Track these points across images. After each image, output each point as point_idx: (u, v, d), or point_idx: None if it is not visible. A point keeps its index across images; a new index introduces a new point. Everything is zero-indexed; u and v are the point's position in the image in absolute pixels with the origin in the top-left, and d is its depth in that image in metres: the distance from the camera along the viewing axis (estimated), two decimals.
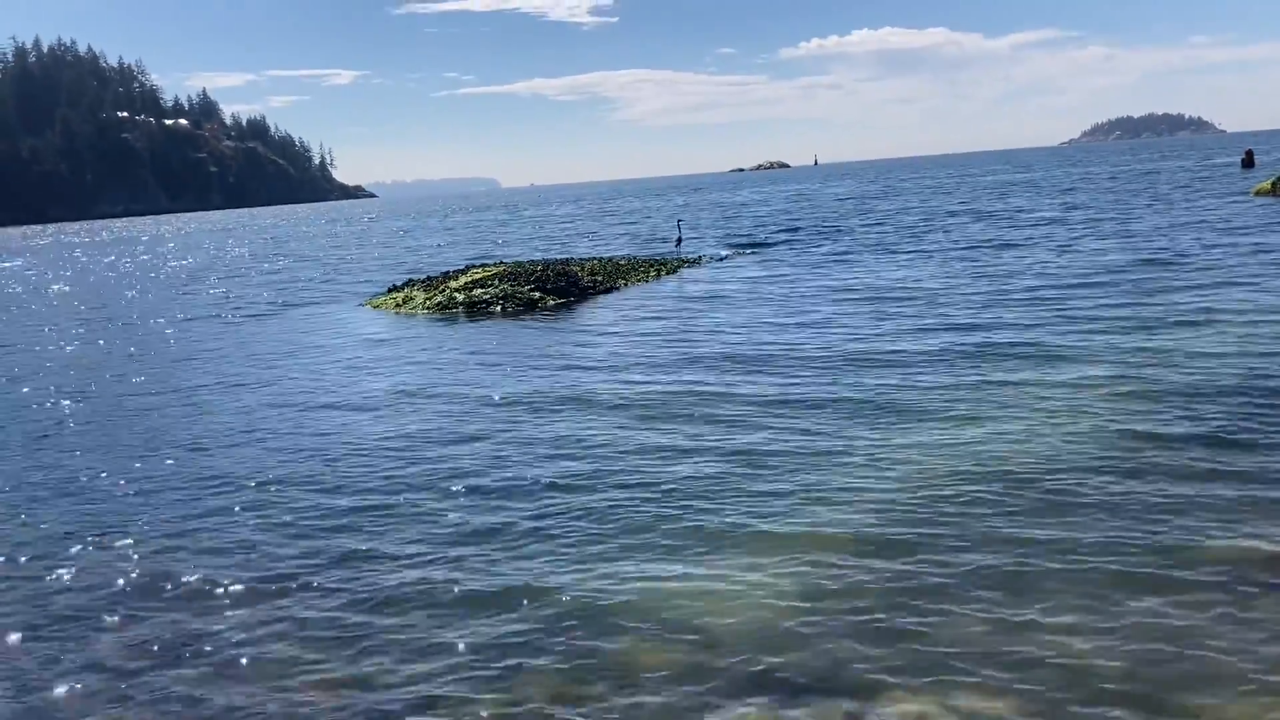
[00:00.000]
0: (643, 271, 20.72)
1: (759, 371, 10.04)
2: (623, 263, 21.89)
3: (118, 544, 6.39)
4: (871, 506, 5.95)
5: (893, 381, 9.12)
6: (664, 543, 5.65)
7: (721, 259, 23.78)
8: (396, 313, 17.54)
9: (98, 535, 6.54)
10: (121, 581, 5.73)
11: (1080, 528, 5.55)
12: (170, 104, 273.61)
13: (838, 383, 9.24)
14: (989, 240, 22.15)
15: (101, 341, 16.68)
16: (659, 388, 9.54)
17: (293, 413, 9.73)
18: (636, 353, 11.53)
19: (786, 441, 7.46)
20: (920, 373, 9.39)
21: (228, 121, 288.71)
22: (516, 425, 8.42)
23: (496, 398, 9.65)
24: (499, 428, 8.40)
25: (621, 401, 8.97)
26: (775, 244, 26.97)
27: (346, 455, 7.92)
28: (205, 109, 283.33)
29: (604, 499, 6.39)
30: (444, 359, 12.28)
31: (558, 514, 6.22)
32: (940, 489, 6.26)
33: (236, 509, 6.89)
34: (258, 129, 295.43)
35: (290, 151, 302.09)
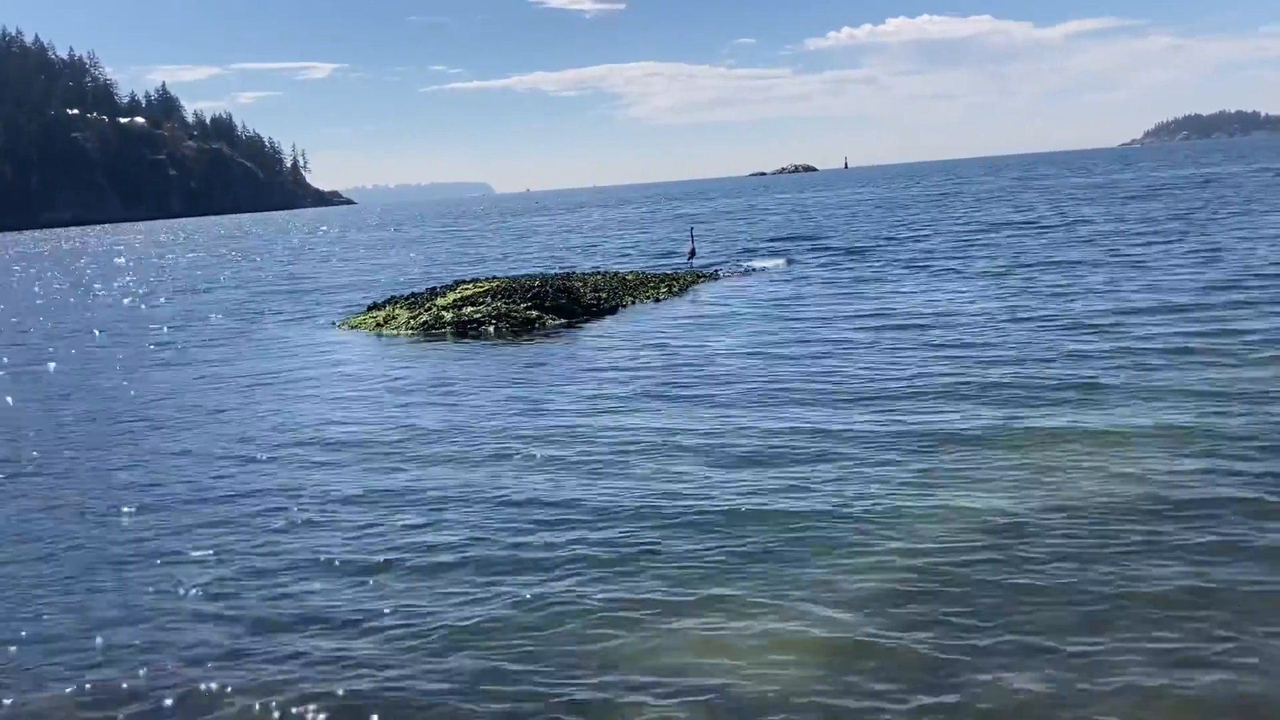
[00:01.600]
0: (651, 288, 21.00)
1: (778, 407, 9.96)
2: (629, 278, 22.07)
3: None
4: (903, 567, 5.91)
5: (929, 420, 9.06)
6: (679, 610, 5.64)
7: (740, 275, 24.03)
8: (377, 334, 17.66)
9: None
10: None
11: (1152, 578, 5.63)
12: (126, 100, 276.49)
13: (873, 419, 9.16)
14: (1044, 259, 21.88)
15: (33, 371, 16.62)
16: (670, 426, 9.45)
17: (256, 458, 9.48)
18: (645, 385, 11.43)
19: (822, 486, 7.43)
20: (962, 411, 9.33)
21: (190, 120, 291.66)
22: (523, 478, 8.11)
23: (491, 443, 9.34)
24: (498, 482, 8.09)
25: (637, 446, 8.82)
26: (800, 258, 27.13)
27: (317, 518, 7.51)
28: (165, 106, 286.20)
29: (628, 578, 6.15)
30: (429, 388, 12.24)
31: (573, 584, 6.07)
32: (980, 543, 6.24)
33: (182, 592, 6.36)
34: (223, 128, 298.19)
35: (259, 153, 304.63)
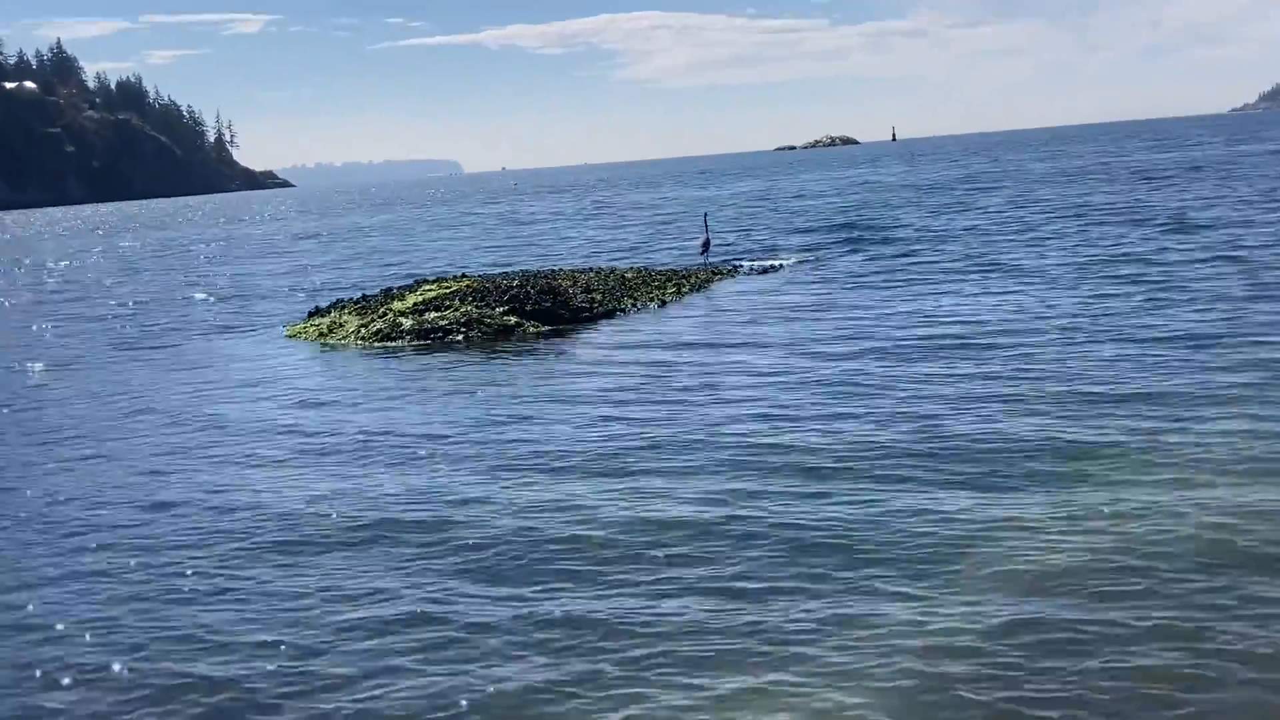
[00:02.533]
0: (656, 288, 21.19)
1: (819, 479, 8.99)
2: (629, 276, 22.27)
3: None
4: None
5: (995, 470, 8.98)
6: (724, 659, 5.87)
7: (763, 271, 24.33)
8: (321, 344, 18.04)
9: None
10: None
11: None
12: (12, 60, 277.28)
13: (925, 479, 8.87)
14: (1140, 254, 21.72)
15: None
16: (666, 515, 8.35)
17: (170, 510, 9.37)
18: (639, 427, 11.00)
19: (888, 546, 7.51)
20: (1043, 447, 9.33)
21: (91, 84, 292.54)
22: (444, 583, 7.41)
23: (453, 489, 9.16)
24: (451, 545, 7.89)
25: (636, 528, 8.10)
26: (837, 251, 27.37)
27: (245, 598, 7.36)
28: (60, 67, 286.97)
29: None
30: (375, 413, 12.27)
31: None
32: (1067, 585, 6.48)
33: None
34: (132, 95, 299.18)
35: (176, 125, 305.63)
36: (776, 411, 11.21)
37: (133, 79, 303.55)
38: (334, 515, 8.80)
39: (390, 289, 20.79)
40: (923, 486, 8.55)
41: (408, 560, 7.74)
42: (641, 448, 10.12)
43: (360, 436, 11.34)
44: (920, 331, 15.43)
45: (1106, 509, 7.81)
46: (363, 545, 8.10)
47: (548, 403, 12.26)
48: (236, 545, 8.34)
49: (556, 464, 9.76)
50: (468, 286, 18.86)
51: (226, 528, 8.75)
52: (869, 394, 11.70)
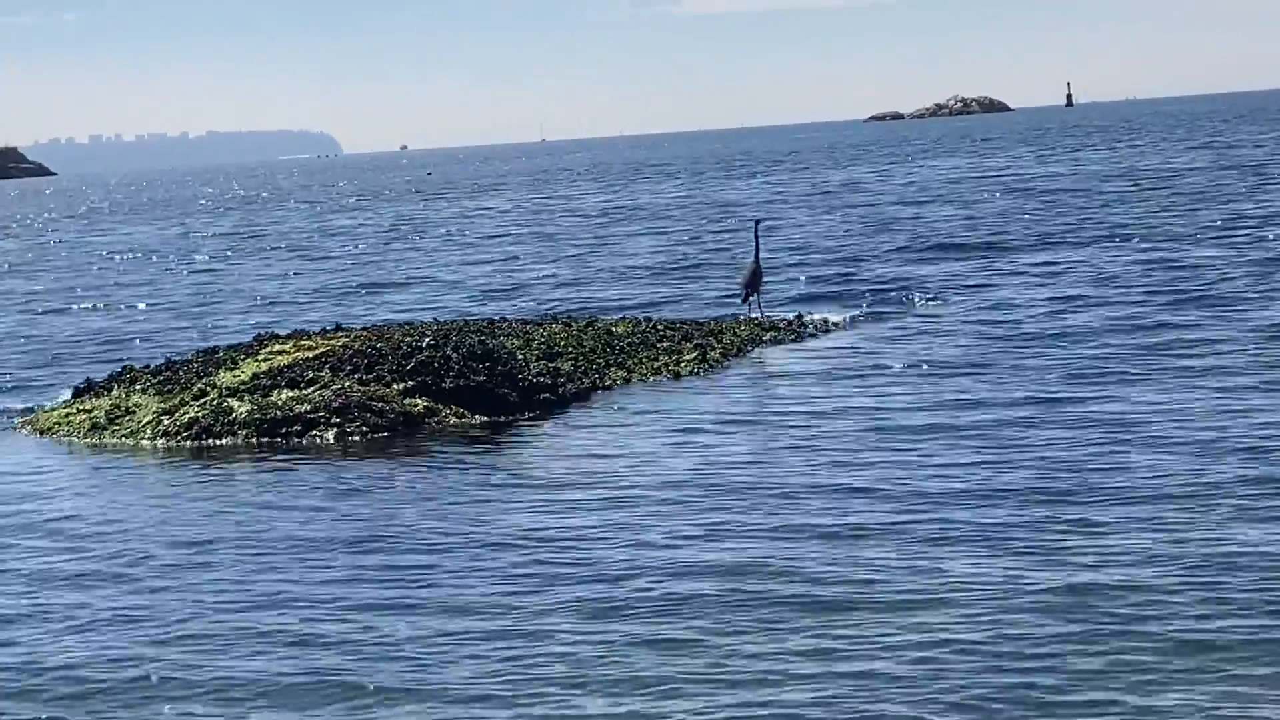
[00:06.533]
0: (666, 353, 16.66)
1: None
2: (619, 330, 17.60)
3: None
4: None
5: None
6: None
7: (846, 327, 18.25)
8: (92, 444, 15.04)
9: None
10: None
11: None
12: None
13: None
14: None
15: None
16: None
17: None
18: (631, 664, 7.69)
19: None
20: None
21: None
22: None
23: None
24: None
25: None
26: (957, 298, 20.39)
27: None
28: None
29: None
30: (192, 594, 9.68)
31: None
32: None
33: None
34: None
35: None
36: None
37: None
38: None
39: (212, 349, 17.09)
40: None
41: None
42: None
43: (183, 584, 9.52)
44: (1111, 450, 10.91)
45: None
46: None
47: (478, 643, 8.14)
48: None
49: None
50: (345, 346, 15.61)
51: None
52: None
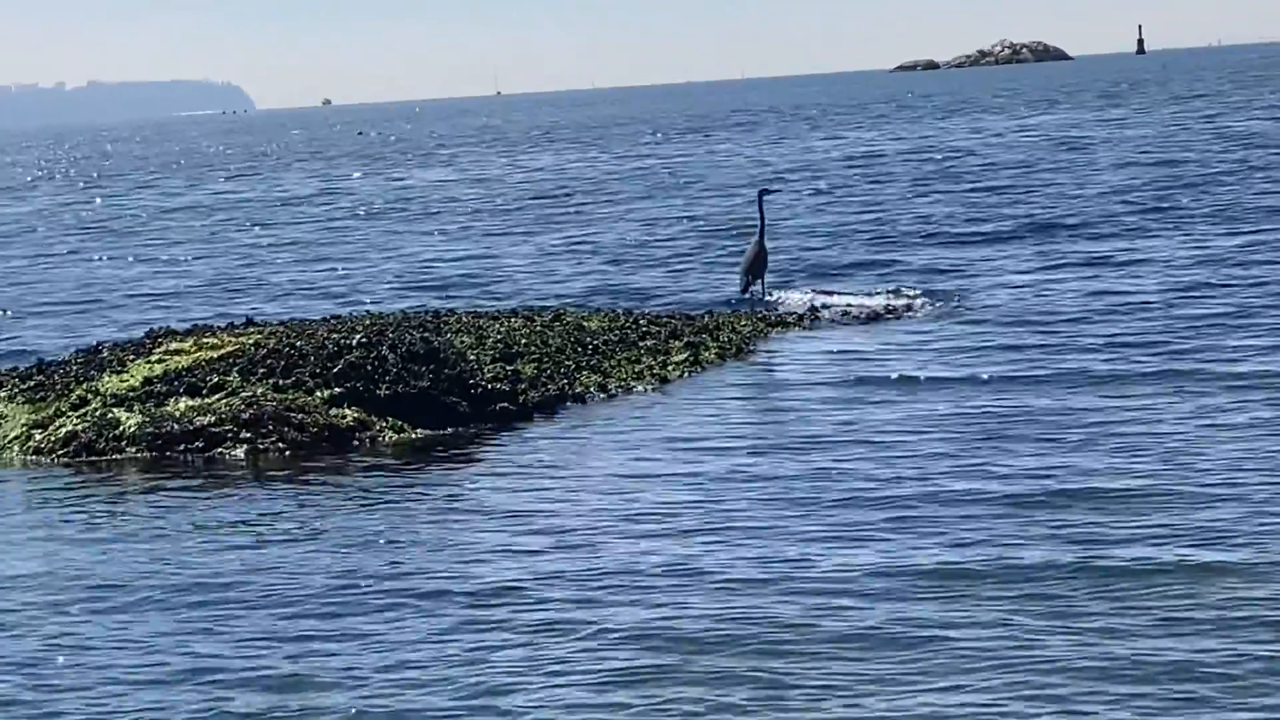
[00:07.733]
0: (648, 353, 15.25)
1: None
2: (592, 325, 16.25)
3: None
4: None
5: None
6: None
7: (863, 320, 16.62)
8: None
9: None
10: None
11: None
12: None
13: None
14: None
15: None
16: None
17: None
18: None
19: None
20: None
21: None
22: None
23: None
24: None
25: None
26: (1001, 284, 18.58)
27: None
28: None
29: None
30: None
31: None
32: None
33: None
34: None
35: None
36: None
37: None
38: None
39: (94, 347, 15.63)
40: None
41: None
42: None
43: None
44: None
45: None
46: None
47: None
48: None
49: None
50: (258, 345, 14.28)
51: None
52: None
